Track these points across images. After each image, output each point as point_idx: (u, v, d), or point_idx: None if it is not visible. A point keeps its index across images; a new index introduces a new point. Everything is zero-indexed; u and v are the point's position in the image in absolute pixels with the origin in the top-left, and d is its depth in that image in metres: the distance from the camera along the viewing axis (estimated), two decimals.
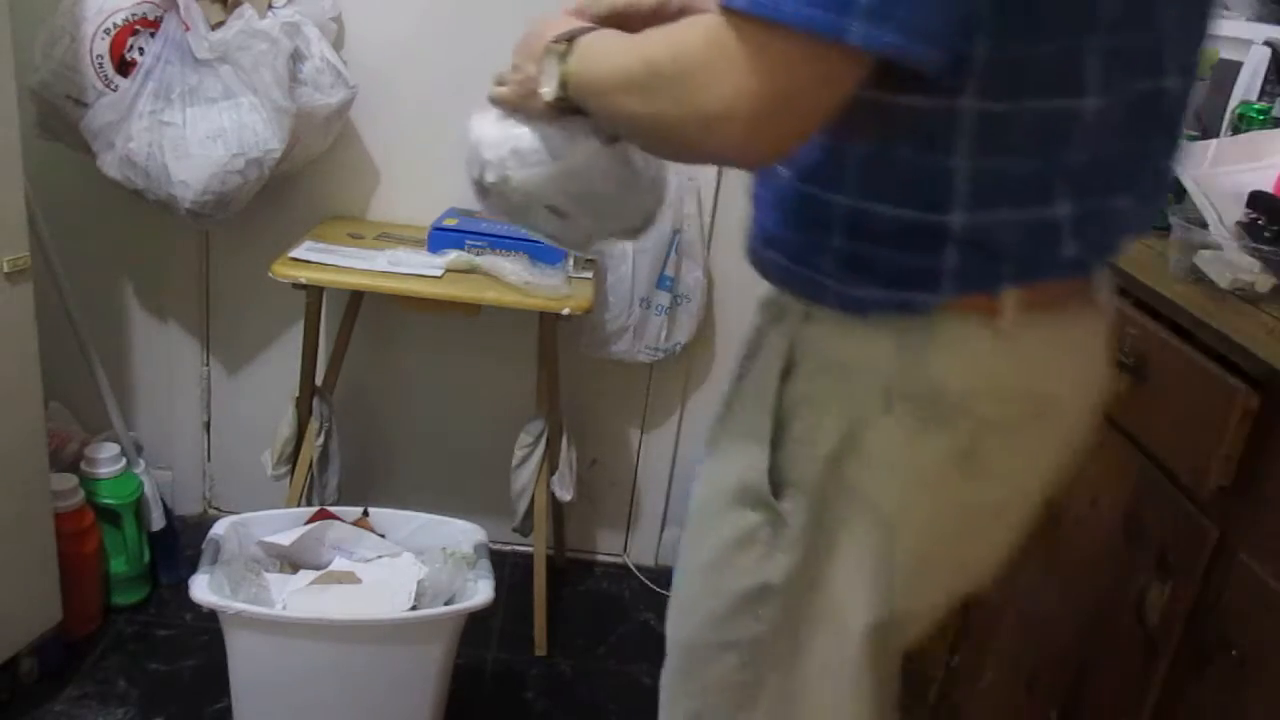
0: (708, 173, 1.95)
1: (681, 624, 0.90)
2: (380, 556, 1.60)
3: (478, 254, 1.75)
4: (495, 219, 1.52)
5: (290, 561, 1.58)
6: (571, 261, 1.77)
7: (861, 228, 0.74)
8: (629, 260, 1.90)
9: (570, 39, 0.81)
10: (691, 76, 0.67)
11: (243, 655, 1.45)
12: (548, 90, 0.82)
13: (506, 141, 0.91)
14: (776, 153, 0.70)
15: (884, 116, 0.70)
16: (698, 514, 0.90)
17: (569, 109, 0.83)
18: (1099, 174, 0.73)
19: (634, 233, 1.00)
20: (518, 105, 0.89)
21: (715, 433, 0.92)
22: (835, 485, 0.78)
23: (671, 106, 0.68)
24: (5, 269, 1.46)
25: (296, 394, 1.87)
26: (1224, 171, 1.12)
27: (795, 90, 0.65)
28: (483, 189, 0.96)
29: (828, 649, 0.82)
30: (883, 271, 0.75)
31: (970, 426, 0.75)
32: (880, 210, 0.73)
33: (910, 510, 0.78)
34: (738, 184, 1.29)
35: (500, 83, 0.91)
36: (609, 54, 0.78)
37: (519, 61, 0.89)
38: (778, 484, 0.80)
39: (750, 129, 0.65)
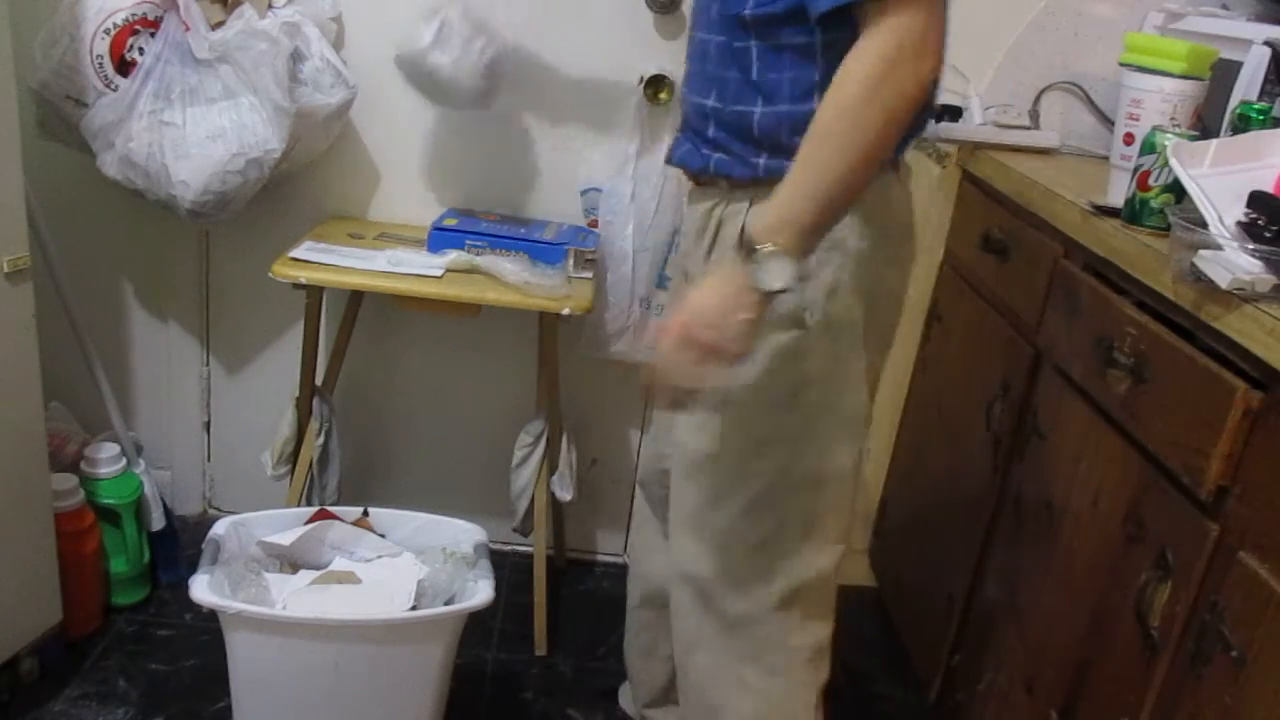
0: None
1: (728, 431, 1.19)
2: (380, 556, 1.60)
3: (478, 254, 1.75)
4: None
5: (290, 561, 1.58)
6: (571, 261, 1.77)
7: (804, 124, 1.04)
8: (629, 260, 1.90)
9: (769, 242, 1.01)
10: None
11: (243, 655, 1.45)
12: (776, 282, 1.02)
13: None
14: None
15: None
16: None
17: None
18: None
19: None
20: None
21: (697, 268, 1.23)
22: (834, 294, 1.13)
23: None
24: (5, 269, 1.46)
25: (296, 394, 1.87)
26: (1224, 171, 1.11)
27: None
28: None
29: (844, 402, 1.19)
30: None
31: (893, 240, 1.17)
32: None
33: (871, 288, 1.16)
34: None
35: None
36: (813, 194, 1.01)
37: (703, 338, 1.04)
38: (801, 305, 1.13)
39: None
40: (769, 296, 1.01)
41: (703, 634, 1.29)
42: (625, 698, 1.77)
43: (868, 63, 0.97)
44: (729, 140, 1.16)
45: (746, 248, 1.01)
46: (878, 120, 0.98)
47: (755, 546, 1.23)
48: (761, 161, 1.14)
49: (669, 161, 1.30)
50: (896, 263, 1.21)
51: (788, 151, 1.05)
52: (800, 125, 1.04)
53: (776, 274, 1.00)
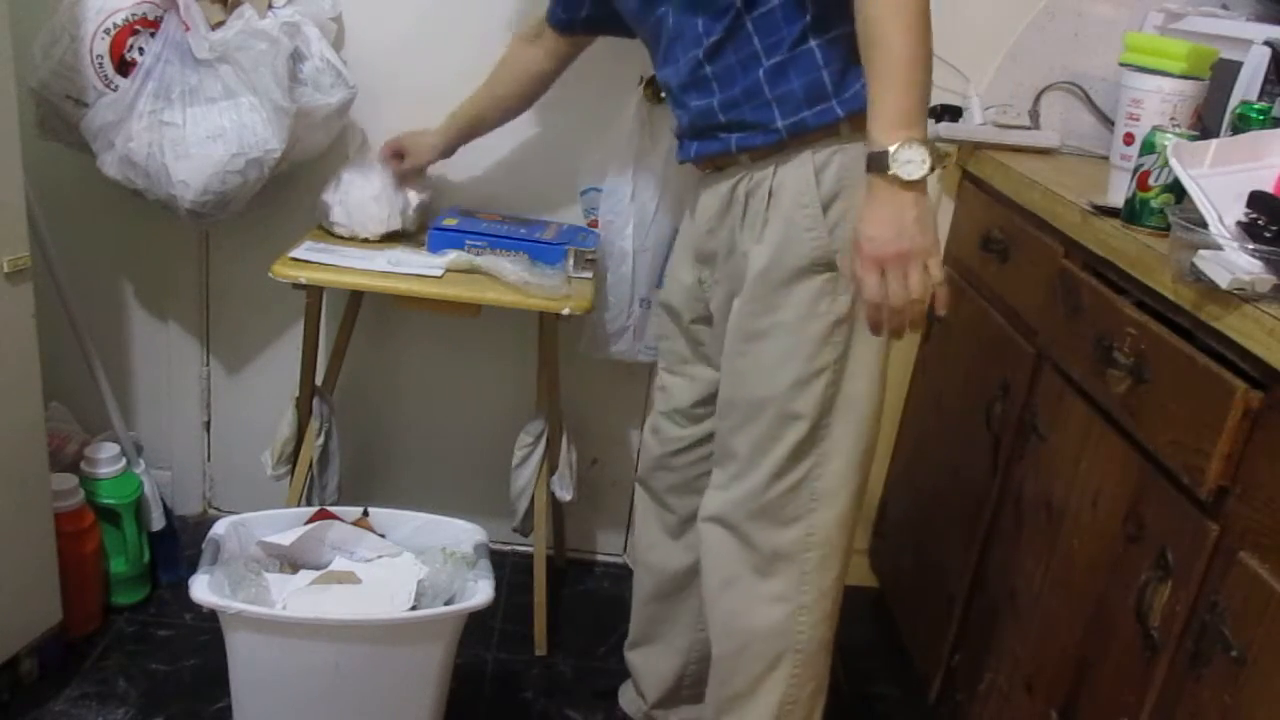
0: None
1: (770, 378, 1.29)
2: (380, 556, 1.60)
3: (478, 254, 1.75)
4: None
5: (290, 561, 1.58)
6: (571, 261, 1.77)
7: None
8: (629, 260, 1.90)
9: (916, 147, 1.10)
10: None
11: (243, 655, 1.45)
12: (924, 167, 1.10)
13: None
14: None
15: None
16: (751, 302, 1.29)
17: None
18: None
19: None
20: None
21: (726, 241, 1.34)
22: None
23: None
24: (5, 269, 1.46)
25: (296, 394, 1.87)
26: (1224, 171, 1.11)
27: None
28: None
29: (869, 345, 1.28)
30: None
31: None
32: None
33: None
34: None
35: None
36: (910, 82, 1.11)
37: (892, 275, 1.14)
38: (830, 251, 1.24)
39: None
40: (921, 184, 1.10)
41: (737, 570, 1.36)
42: (626, 698, 1.77)
43: None
44: (744, 115, 1.26)
45: (878, 160, 1.10)
46: (919, 14, 1.10)
47: (796, 484, 1.31)
48: (780, 124, 1.24)
49: (684, 161, 1.38)
50: None
51: (799, 101, 1.22)
52: (802, 66, 1.22)
53: (919, 161, 1.09)
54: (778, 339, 1.28)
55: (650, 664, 1.66)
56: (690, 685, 1.64)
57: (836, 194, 1.24)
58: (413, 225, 1.85)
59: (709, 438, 1.46)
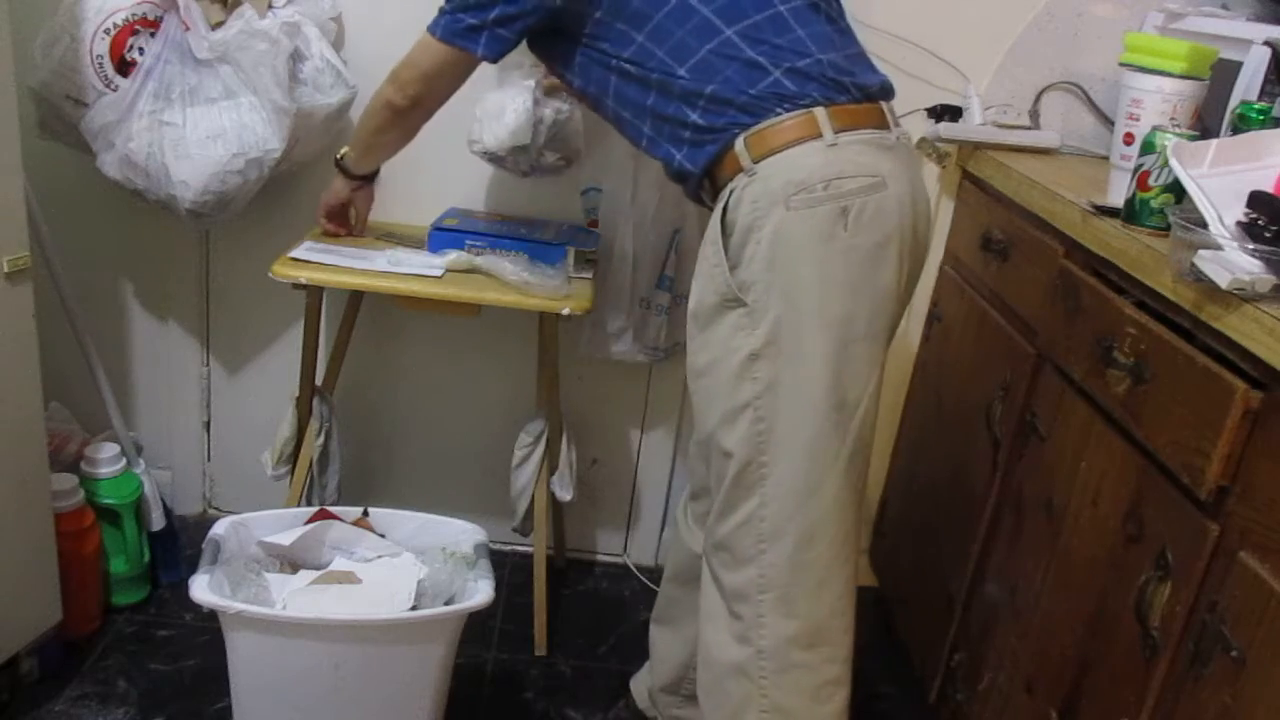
0: None
1: (705, 415, 1.31)
2: (380, 556, 1.60)
3: (478, 254, 1.75)
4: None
5: (290, 561, 1.58)
6: (571, 261, 1.77)
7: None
8: (629, 260, 1.90)
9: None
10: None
11: (243, 655, 1.45)
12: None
13: None
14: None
15: None
16: (692, 340, 1.32)
17: None
18: None
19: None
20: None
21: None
22: (773, 271, 1.22)
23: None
24: (5, 269, 1.46)
25: (296, 394, 1.87)
26: (1224, 171, 1.11)
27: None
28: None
29: (798, 380, 1.24)
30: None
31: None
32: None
33: (821, 264, 1.22)
34: None
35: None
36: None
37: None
38: (740, 286, 1.24)
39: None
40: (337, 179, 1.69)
41: (712, 604, 1.37)
42: (638, 680, 1.76)
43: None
44: (654, 153, 1.38)
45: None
46: (371, 115, 1.54)
47: (741, 523, 1.30)
48: (678, 159, 1.33)
49: None
50: (855, 235, 1.22)
51: (684, 145, 1.31)
52: (662, 131, 1.34)
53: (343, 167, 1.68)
54: (710, 375, 1.29)
55: (663, 644, 1.68)
56: (692, 681, 1.64)
57: (750, 226, 1.23)
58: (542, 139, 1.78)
59: None
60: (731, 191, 1.25)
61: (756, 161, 1.23)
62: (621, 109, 1.34)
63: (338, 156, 1.69)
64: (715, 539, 1.33)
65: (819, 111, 1.23)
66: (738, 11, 1.25)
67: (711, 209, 1.31)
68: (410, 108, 1.49)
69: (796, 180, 1.21)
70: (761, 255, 1.22)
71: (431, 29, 1.41)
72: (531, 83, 1.73)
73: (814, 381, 1.24)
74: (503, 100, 1.73)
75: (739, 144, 1.24)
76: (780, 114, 1.23)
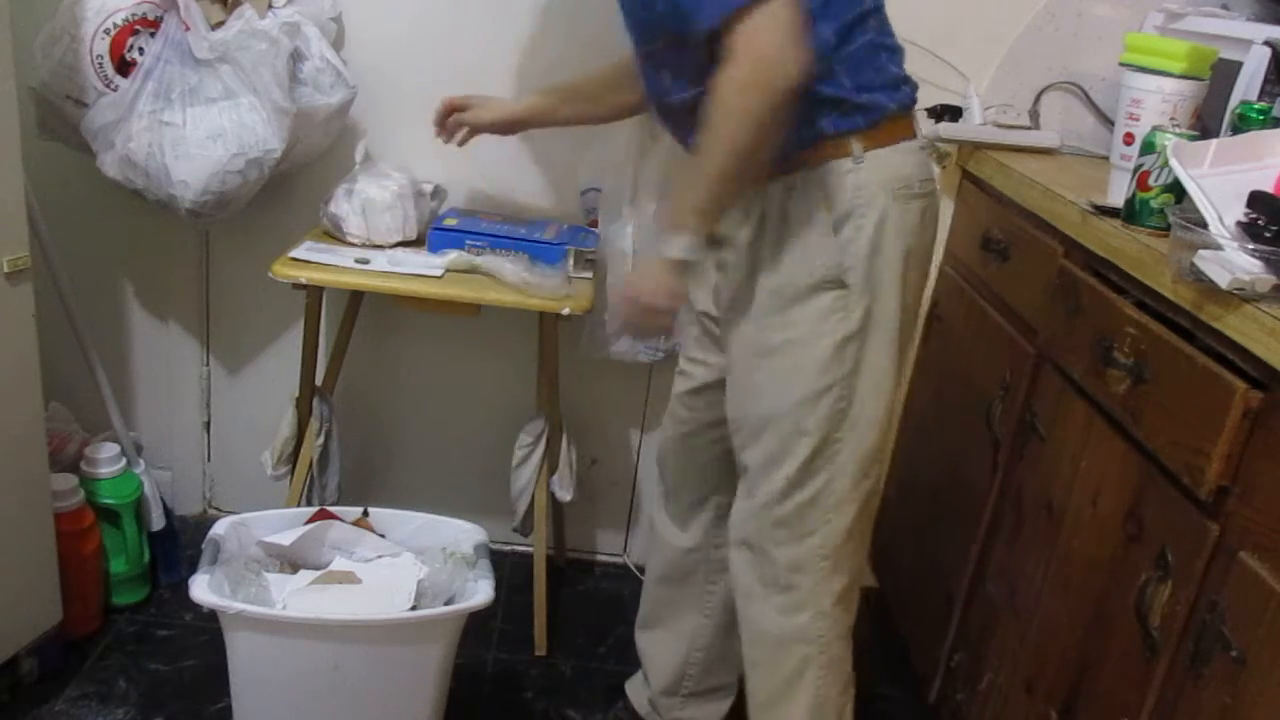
0: None
1: (781, 394, 1.30)
2: (380, 556, 1.60)
3: (478, 254, 1.75)
4: None
5: (290, 561, 1.58)
6: (571, 261, 1.77)
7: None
8: (629, 260, 1.90)
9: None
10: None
11: (243, 655, 1.45)
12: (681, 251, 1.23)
13: None
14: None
15: None
16: (764, 317, 1.31)
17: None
18: None
19: None
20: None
21: (737, 249, 1.34)
22: (876, 257, 1.26)
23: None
24: (5, 269, 1.46)
25: (296, 394, 1.87)
26: (1224, 171, 1.11)
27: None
28: None
29: (879, 361, 1.29)
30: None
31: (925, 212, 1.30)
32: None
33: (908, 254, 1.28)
34: None
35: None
36: (710, 189, 1.22)
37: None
38: (841, 269, 1.26)
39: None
40: (676, 264, 1.23)
41: (758, 582, 1.39)
42: (634, 688, 1.77)
43: (736, 73, 1.15)
44: None
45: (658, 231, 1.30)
46: (748, 121, 1.16)
47: (810, 499, 1.33)
48: (791, 142, 1.26)
49: None
50: (924, 232, 1.32)
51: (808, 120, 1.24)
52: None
53: (682, 248, 1.22)
54: (788, 355, 1.30)
55: (656, 648, 1.68)
56: (692, 678, 1.65)
57: (849, 212, 1.25)
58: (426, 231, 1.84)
59: (718, 423, 1.48)
60: (829, 175, 1.25)
61: (865, 150, 1.25)
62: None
63: (668, 251, 1.23)
64: (774, 517, 1.34)
65: (917, 114, 1.31)
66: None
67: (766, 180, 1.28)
68: (795, 85, 1.15)
69: (902, 176, 1.26)
70: (864, 241, 1.25)
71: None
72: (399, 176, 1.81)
73: (891, 361, 1.31)
74: (380, 198, 1.79)
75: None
76: (892, 109, 1.26)
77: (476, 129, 1.69)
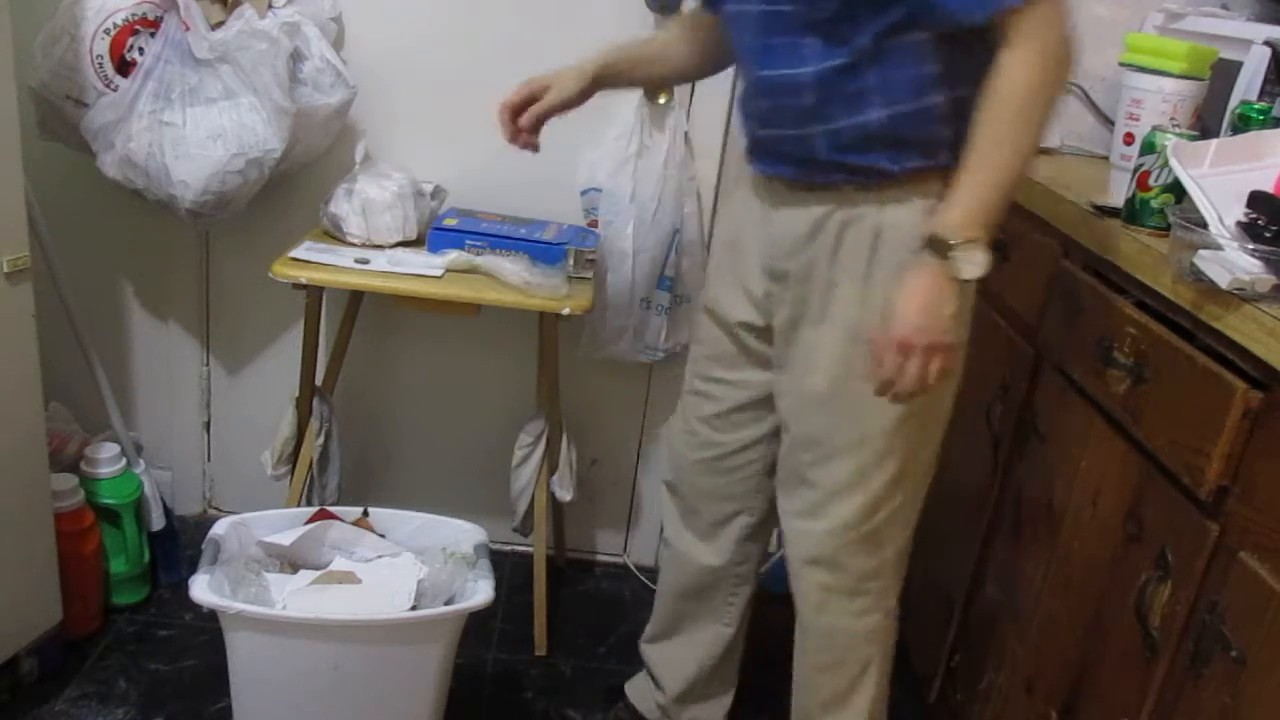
0: (708, 173, 1.95)
1: (872, 416, 1.26)
2: (380, 556, 1.60)
3: (478, 254, 1.75)
4: None
5: (290, 561, 1.58)
6: (571, 261, 1.77)
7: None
8: (629, 260, 1.90)
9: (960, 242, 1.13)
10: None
11: (243, 655, 1.45)
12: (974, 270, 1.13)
13: None
14: None
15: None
16: (845, 347, 1.25)
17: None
18: None
19: None
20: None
21: (805, 266, 1.27)
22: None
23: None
24: (5, 269, 1.46)
25: (296, 394, 1.87)
26: (1224, 171, 1.11)
27: None
28: None
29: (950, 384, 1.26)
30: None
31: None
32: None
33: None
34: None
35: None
36: (1003, 185, 1.12)
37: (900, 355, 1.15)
38: None
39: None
40: (965, 285, 1.13)
41: (832, 594, 1.40)
42: (635, 689, 1.76)
43: (1032, 68, 1.07)
44: (845, 154, 1.21)
45: (939, 246, 1.12)
46: (1042, 119, 1.09)
47: (891, 515, 1.34)
48: (884, 165, 1.19)
49: (772, 178, 1.31)
50: None
51: (915, 146, 1.17)
52: (925, 118, 1.16)
53: (978, 264, 1.11)
54: (856, 387, 1.25)
55: (670, 657, 1.67)
56: (704, 682, 1.65)
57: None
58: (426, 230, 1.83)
59: (752, 445, 1.46)
60: (938, 203, 1.17)
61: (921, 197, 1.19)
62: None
63: (965, 270, 1.13)
64: (855, 536, 1.34)
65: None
66: None
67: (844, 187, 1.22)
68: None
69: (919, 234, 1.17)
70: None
71: None
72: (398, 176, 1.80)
73: (955, 381, 1.30)
74: (380, 198, 1.78)
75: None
76: (951, 164, 1.16)
77: (555, 113, 1.46)
